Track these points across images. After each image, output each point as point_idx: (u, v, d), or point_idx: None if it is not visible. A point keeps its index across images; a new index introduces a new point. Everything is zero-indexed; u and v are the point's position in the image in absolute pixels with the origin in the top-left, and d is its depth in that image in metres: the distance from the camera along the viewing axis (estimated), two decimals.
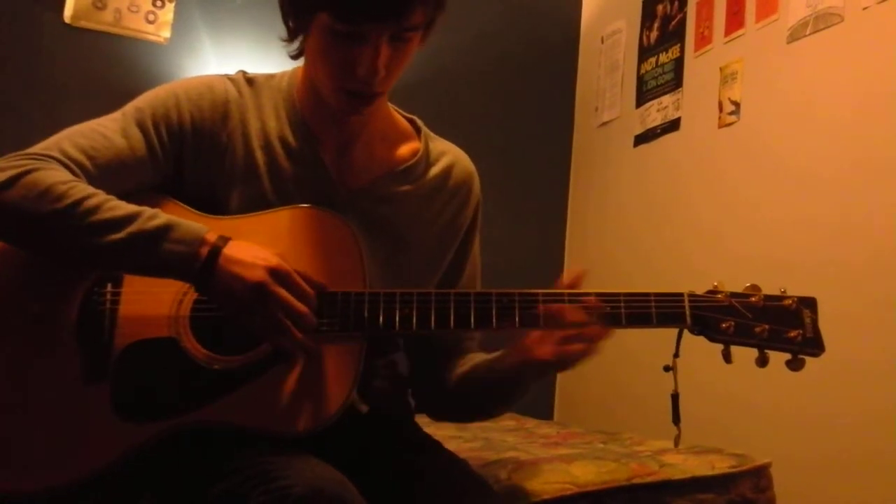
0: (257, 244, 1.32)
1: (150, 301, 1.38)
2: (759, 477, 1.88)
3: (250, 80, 1.54)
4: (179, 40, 3.34)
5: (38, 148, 1.35)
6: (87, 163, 1.36)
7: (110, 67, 3.25)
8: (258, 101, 1.52)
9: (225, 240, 1.30)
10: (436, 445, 1.54)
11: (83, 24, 3.21)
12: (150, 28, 3.29)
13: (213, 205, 1.44)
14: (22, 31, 3.17)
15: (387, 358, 1.59)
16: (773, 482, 1.91)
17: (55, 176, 1.29)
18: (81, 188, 1.29)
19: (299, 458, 1.22)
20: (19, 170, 1.29)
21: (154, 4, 3.29)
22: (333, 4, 1.30)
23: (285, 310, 1.28)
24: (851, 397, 2.35)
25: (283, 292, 1.28)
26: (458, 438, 2.16)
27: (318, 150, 1.50)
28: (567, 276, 1.39)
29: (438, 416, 1.69)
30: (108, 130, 1.40)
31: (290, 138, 1.50)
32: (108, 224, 1.27)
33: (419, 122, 1.65)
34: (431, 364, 1.62)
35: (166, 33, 3.31)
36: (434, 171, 1.60)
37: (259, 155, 1.48)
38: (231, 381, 1.32)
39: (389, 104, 1.61)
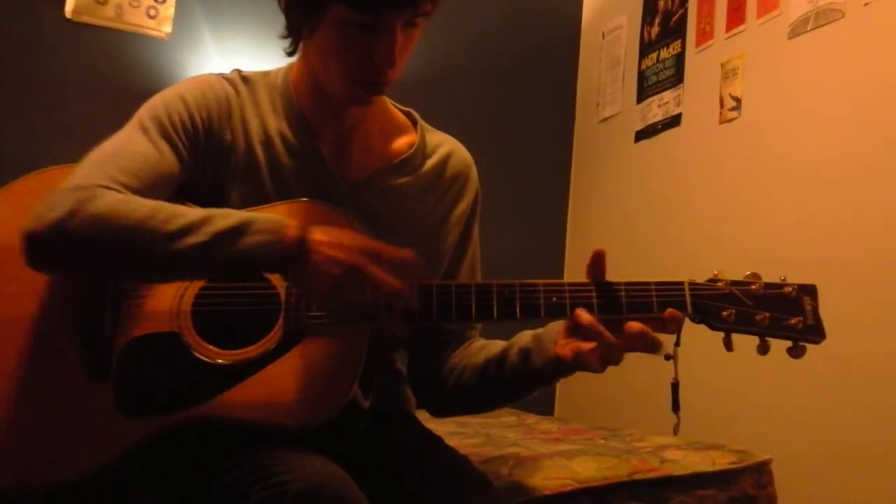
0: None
1: (152, 296, 1.38)
2: (759, 473, 1.88)
3: (245, 79, 1.55)
4: (181, 35, 3.34)
5: (80, 178, 1.32)
6: (134, 182, 1.35)
7: (111, 62, 3.25)
8: (255, 98, 1.53)
9: (307, 226, 1.28)
10: (437, 441, 1.54)
11: (84, 19, 3.20)
12: (152, 23, 3.29)
13: (214, 202, 1.44)
14: (23, 26, 3.17)
15: (386, 352, 1.59)
16: (774, 478, 1.91)
17: (114, 196, 1.29)
18: (145, 202, 1.28)
19: (300, 454, 1.22)
20: (75, 201, 1.26)
21: None
22: None
23: (385, 287, 1.26)
24: (852, 394, 2.36)
25: (382, 274, 1.26)
26: (459, 434, 2.16)
27: (317, 145, 1.51)
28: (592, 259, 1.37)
29: (440, 409, 1.66)
30: (139, 146, 1.39)
31: (289, 134, 1.51)
32: (185, 230, 1.25)
33: (415, 114, 1.65)
34: (432, 355, 1.61)
35: (167, 28, 3.31)
36: (431, 162, 1.61)
37: (259, 151, 1.49)
38: (233, 375, 1.32)
39: (386, 98, 1.61)
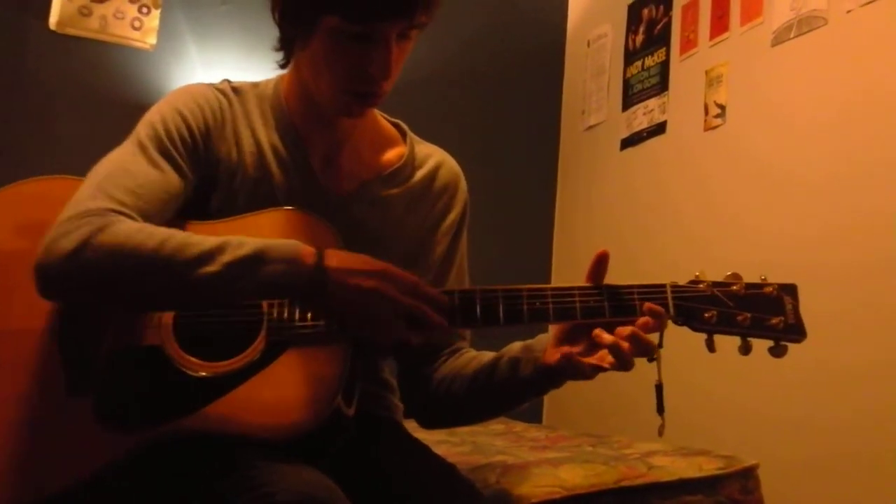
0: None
1: None
2: (746, 478, 1.88)
3: (236, 89, 1.55)
4: (165, 46, 3.34)
5: (85, 201, 1.31)
6: (140, 204, 1.34)
7: (96, 74, 3.25)
8: (245, 109, 1.53)
9: (321, 253, 1.28)
10: (424, 449, 1.54)
11: (69, 30, 3.20)
12: (136, 34, 3.29)
13: (202, 211, 1.44)
14: (7, 38, 3.16)
15: (371, 361, 1.58)
16: (761, 483, 1.92)
17: (126, 226, 1.27)
18: (158, 231, 1.27)
19: (286, 464, 1.22)
20: (88, 229, 1.25)
21: (140, 11, 3.28)
22: (348, 7, 1.31)
23: (407, 312, 1.29)
24: (837, 399, 2.36)
25: (401, 296, 1.29)
26: (447, 443, 2.16)
27: (307, 156, 1.52)
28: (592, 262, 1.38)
29: (430, 420, 1.66)
30: (140, 165, 1.38)
31: (279, 144, 1.51)
32: (199, 260, 1.24)
33: (404, 125, 1.66)
34: (422, 364, 1.61)
35: (152, 39, 3.31)
36: (420, 173, 1.61)
37: (250, 161, 1.49)
38: (216, 387, 1.31)
39: (376, 110, 1.61)
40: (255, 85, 1.57)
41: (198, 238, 1.27)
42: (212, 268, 1.24)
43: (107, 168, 1.38)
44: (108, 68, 3.27)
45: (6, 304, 1.38)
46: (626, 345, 1.30)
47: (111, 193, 1.32)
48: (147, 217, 1.33)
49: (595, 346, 1.34)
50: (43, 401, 1.33)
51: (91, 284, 1.27)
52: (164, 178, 1.39)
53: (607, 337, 1.32)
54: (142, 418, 1.31)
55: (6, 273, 1.39)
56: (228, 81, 1.56)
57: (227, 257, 1.25)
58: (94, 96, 3.22)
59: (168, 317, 1.36)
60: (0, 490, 1.30)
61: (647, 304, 1.32)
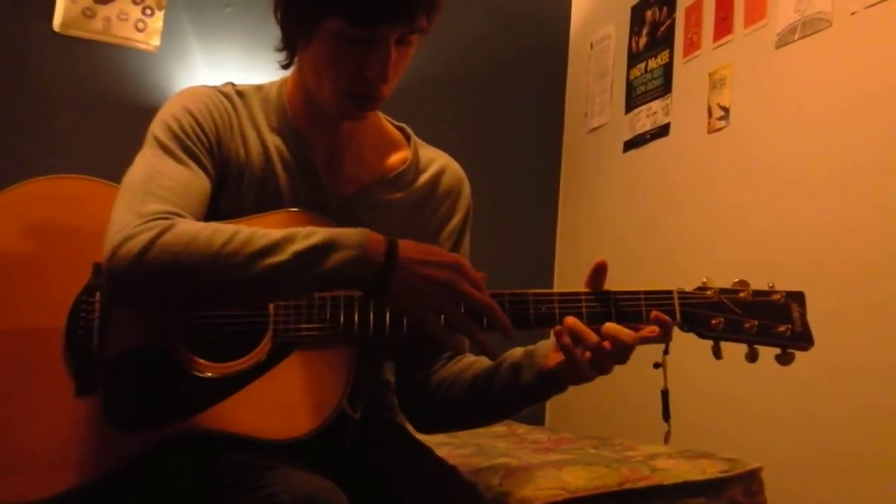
0: None
1: None
2: (750, 481, 1.88)
3: (240, 93, 1.55)
4: (169, 48, 3.34)
5: (137, 205, 1.31)
6: (184, 203, 1.34)
7: (100, 75, 3.25)
8: (250, 110, 1.53)
9: (394, 241, 1.28)
10: (426, 451, 1.54)
11: (72, 32, 3.20)
12: (140, 36, 3.29)
13: (211, 210, 1.44)
14: (11, 39, 3.16)
15: (375, 363, 1.58)
16: (765, 485, 1.91)
17: (189, 225, 1.28)
18: (223, 228, 1.27)
19: (289, 466, 1.22)
20: (153, 232, 1.25)
21: (143, 12, 3.28)
22: (349, 9, 1.31)
23: (477, 307, 1.28)
24: (842, 399, 2.36)
25: (474, 291, 1.27)
26: (449, 445, 2.15)
27: (310, 158, 1.52)
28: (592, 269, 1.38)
29: (426, 424, 1.65)
30: (171, 166, 1.39)
31: (283, 147, 1.51)
32: (267, 250, 1.24)
33: (408, 129, 1.66)
34: (420, 367, 1.61)
35: (156, 41, 3.31)
36: (424, 178, 1.61)
37: (257, 162, 1.49)
38: (222, 388, 1.32)
39: (380, 113, 1.62)
40: (259, 88, 1.57)
41: (264, 231, 1.27)
42: (280, 257, 1.24)
43: (142, 173, 1.37)
44: (111, 70, 3.27)
45: (14, 303, 1.38)
46: (607, 344, 1.30)
47: (161, 196, 1.33)
48: (191, 216, 1.34)
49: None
50: (50, 401, 1.33)
51: (164, 285, 1.27)
52: (195, 176, 1.40)
53: (592, 337, 1.32)
54: (149, 418, 1.32)
55: (14, 273, 1.39)
56: (232, 84, 1.56)
57: (295, 246, 1.25)
58: (97, 98, 3.22)
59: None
60: (7, 489, 1.30)
61: (655, 313, 1.32)
